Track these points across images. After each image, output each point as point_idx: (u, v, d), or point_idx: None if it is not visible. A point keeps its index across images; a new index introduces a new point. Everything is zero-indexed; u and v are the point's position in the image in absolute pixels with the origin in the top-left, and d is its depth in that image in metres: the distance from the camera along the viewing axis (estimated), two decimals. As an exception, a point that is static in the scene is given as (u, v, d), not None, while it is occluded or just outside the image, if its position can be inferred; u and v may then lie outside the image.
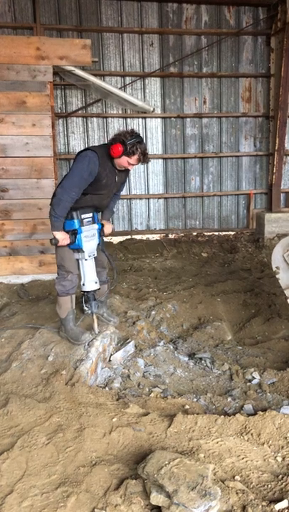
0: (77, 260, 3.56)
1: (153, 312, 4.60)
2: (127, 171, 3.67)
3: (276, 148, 8.43)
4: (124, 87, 7.98)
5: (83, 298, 3.65)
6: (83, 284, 3.56)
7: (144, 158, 3.38)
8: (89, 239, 3.48)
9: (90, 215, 3.52)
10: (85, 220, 3.46)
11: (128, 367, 3.55)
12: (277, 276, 4.02)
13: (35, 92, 5.47)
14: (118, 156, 3.33)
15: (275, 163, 8.51)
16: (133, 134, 3.35)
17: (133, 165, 3.44)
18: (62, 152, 7.92)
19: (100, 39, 7.87)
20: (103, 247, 3.72)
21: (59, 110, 7.87)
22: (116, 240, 8.15)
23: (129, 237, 8.34)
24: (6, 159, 5.52)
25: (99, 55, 7.79)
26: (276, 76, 8.35)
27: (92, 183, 3.38)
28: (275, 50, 8.36)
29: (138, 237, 8.39)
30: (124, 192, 8.33)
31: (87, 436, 2.40)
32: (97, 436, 2.43)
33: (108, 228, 3.79)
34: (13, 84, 5.41)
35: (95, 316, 3.65)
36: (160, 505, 1.86)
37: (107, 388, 3.22)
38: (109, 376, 3.43)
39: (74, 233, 3.40)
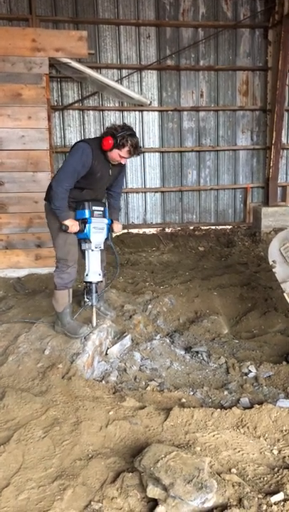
0: (83, 251, 3.60)
1: (150, 306, 4.60)
2: (121, 166, 3.67)
3: (273, 142, 8.41)
4: (120, 80, 7.93)
5: (85, 289, 3.65)
6: (87, 275, 3.60)
7: (135, 150, 3.38)
8: (97, 231, 3.53)
9: (101, 208, 3.57)
10: (95, 212, 3.50)
11: (124, 360, 3.56)
12: (273, 270, 4.02)
13: (31, 85, 5.42)
14: (109, 149, 3.34)
15: (272, 157, 8.50)
16: (124, 127, 3.36)
17: (124, 158, 3.43)
18: (58, 145, 7.87)
19: (97, 31, 7.81)
20: (111, 242, 3.76)
21: (55, 103, 7.82)
22: (113, 233, 8.13)
23: (125, 231, 8.31)
24: (2, 152, 5.48)
25: (95, 48, 7.72)
26: (273, 69, 8.31)
27: (86, 176, 3.39)
28: (273, 43, 8.32)
29: (135, 231, 8.37)
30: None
31: (83, 430, 2.40)
32: (93, 429, 2.43)
33: (117, 226, 3.84)
34: (8, 77, 5.36)
35: (94, 309, 3.66)
36: (156, 498, 1.86)
37: (103, 382, 3.22)
38: (106, 370, 3.43)
39: (84, 222, 3.46)
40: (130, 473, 2.02)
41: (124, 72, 8.02)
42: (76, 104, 7.95)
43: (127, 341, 3.78)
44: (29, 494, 1.97)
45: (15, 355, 3.32)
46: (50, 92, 7.01)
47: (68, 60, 5.94)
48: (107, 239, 3.66)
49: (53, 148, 6.14)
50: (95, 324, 3.66)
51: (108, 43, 7.91)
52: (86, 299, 3.66)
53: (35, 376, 3.08)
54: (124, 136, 3.29)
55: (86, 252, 3.58)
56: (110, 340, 3.76)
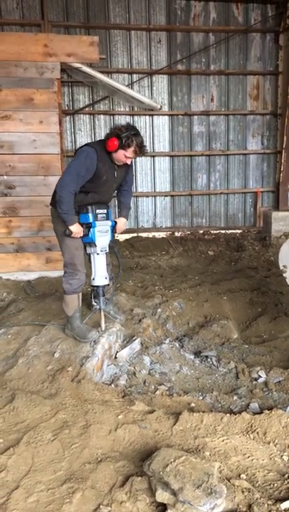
0: (89, 255, 3.59)
1: (159, 310, 4.60)
2: (127, 167, 3.65)
3: (284, 146, 8.38)
4: (131, 85, 7.96)
5: (92, 293, 3.66)
6: (93, 279, 3.60)
7: (141, 150, 3.37)
8: (102, 234, 3.51)
9: (105, 211, 3.55)
10: (99, 215, 3.49)
11: (134, 364, 3.55)
12: (284, 274, 4.00)
13: (43, 89, 5.47)
14: (114, 150, 3.33)
15: (282, 161, 8.46)
16: (128, 127, 3.36)
17: (130, 158, 3.43)
18: (69, 149, 7.90)
19: (108, 36, 7.85)
20: (113, 243, 3.74)
21: (66, 107, 7.86)
22: (122, 237, 8.14)
23: (135, 234, 8.32)
24: (14, 156, 5.53)
25: (106, 52, 7.76)
26: (284, 74, 8.29)
27: (92, 180, 3.38)
28: (284, 47, 8.29)
29: (144, 234, 8.37)
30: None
31: (92, 433, 2.41)
32: (102, 433, 2.44)
33: (121, 226, 3.81)
34: (20, 81, 5.42)
35: (102, 312, 3.66)
36: (165, 502, 1.86)
37: (112, 385, 3.22)
38: (115, 373, 3.44)
39: (88, 227, 3.44)
40: (139, 478, 2.02)
41: (135, 76, 8.05)
42: (87, 109, 8.00)
43: (136, 345, 3.78)
44: (38, 497, 1.98)
45: (25, 358, 3.33)
46: (62, 97, 7.06)
47: (80, 65, 5.98)
48: (111, 241, 3.64)
49: (64, 152, 6.18)
50: (103, 328, 3.66)
51: (119, 47, 7.95)
52: (94, 303, 3.67)
53: (44, 379, 3.09)
54: (129, 136, 3.29)
55: (92, 256, 3.58)
56: (120, 343, 3.77)
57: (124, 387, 3.21)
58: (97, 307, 3.65)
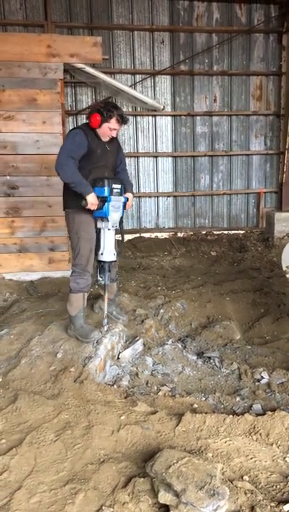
0: (99, 230, 3.57)
1: (161, 310, 4.59)
2: (116, 143, 3.73)
3: (287, 146, 8.36)
4: (134, 85, 7.96)
5: (98, 269, 3.65)
6: (102, 254, 3.59)
7: (123, 119, 3.48)
8: (115, 209, 3.50)
9: (119, 186, 3.54)
10: (114, 190, 3.48)
11: (136, 365, 3.55)
12: (287, 275, 3.99)
13: (46, 90, 5.48)
14: (98, 125, 3.43)
15: (285, 161, 8.44)
16: (106, 101, 3.57)
17: (115, 129, 3.50)
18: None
19: (111, 37, 7.86)
20: (122, 220, 3.72)
21: (69, 108, 7.87)
22: (125, 238, 8.14)
23: (137, 235, 8.32)
24: (17, 156, 5.54)
25: (109, 53, 7.76)
26: (287, 74, 8.28)
27: (88, 157, 3.44)
28: (287, 48, 8.28)
29: (147, 235, 8.37)
30: (133, 190, 8.33)
31: (95, 434, 2.41)
32: (105, 433, 2.43)
33: (130, 202, 3.77)
34: (23, 82, 5.43)
35: (106, 289, 3.66)
36: (168, 503, 1.86)
37: (115, 386, 3.22)
38: (118, 374, 3.44)
39: (103, 200, 3.42)
40: (142, 479, 2.02)
41: (138, 77, 8.05)
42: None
43: (138, 346, 3.78)
44: (41, 497, 1.98)
45: (28, 358, 3.34)
46: (65, 97, 7.07)
47: (83, 66, 5.99)
48: (122, 217, 3.63)
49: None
50: (106, 311, 3.68)
51: (122, 48, 7.95)
52: (99, 278, 3.66)
53: (47, 379, 3.09)
54: (109, 108, 3.40)
55: (102, 230, 3.56)
56: (122, 344, 3.77)
57: (127, 388, 3.21)
58: (102, 282, 3.65)
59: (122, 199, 3.56)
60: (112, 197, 3.44)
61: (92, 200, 3.37)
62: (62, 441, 2.35)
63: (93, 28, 7.72)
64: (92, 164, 3.49)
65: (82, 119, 8.00)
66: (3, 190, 5.57)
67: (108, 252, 3.58)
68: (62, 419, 2.55)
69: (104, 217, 3.48)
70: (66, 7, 7.57)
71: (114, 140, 3.65)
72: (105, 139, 3.53)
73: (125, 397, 3.00)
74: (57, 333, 3.66)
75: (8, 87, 5.41)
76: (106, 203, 3.41)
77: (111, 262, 3.64)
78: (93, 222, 3.53)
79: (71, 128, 3.67)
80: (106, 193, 3.42)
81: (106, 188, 3.42)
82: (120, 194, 3.54)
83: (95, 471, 2.14)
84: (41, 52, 5.41)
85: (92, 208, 3.41)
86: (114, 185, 3.47)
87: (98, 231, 3.59)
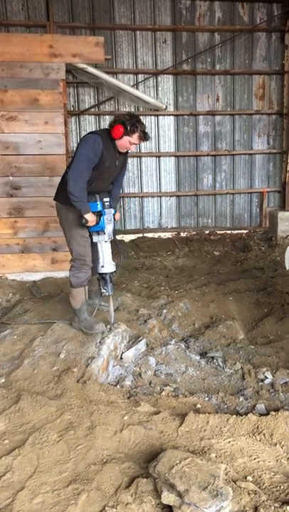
0: (95, 243, 3.64)
1: (164, 310, 4.58)
2: (125, 157, 3.77)
3: (290, 145, 8.35)
4: (136, 85, 7.96)
5: (100, 281, 3.70)
6: (102, 266, 3.66)
7: (145, 136, 3.51)
8: (108, 221, 3.60)
9: (108, 199, 3.65)
10: (106, 203, 3.59)
11: (139, 365, 3.55)
12: (290, 275, 3.98)
13: (48, 90, 5.48)
14: (120, 136, 3.45)
15: (288, 161, 8.42)
16: (131, 115, 3.53)
17: (135, 144, 3.54)
18: (74, 150, 7.91)
19: (113, 36, 7.86)
20: (114, 232, 3.81)
21: (72, 108, 7.87)
22: (127, 238, 8.15)
23: (140, 235, 8.32)
24: (19, 157, 5.54)
25: (112, 53, 7.77)
26: (290, 73, 8.27)
27: (96, 166, 3.45)
28: (290, 46, 8.27)
29: (150, 235, 8.37)
30: (136, 190, 8.36)
31: (98, 434, 2.40)
32: (108, 434, 2.43)
33: (117, 215, 3.90)
34: (26, 82, 5.43)
35: (112, 304, 3.75)
36: (171, 504, 1.85)
37: (118, 386, 3.22)
38: (121, 374, 3.43)
39: (98, 215, 3.51)
40: (145, 479, 2.01)
41: (140, 77, 8.05)
42: (92, 109, 8.01)
43: (141, 346, 3.77)
44: (44, 498, 1.97)
45: (30, 359, 3.34)
46: (67, 98, 7.07)
47: (85, 66, 5.99)
48: (114, 229, 3.73)
49: (69, 153, 6.18)
50: (112, 314, 3.75)
51: (124, 48, 7.95)
52: (103, 290, 3.70)
53: (50, 380, 3.09)
54: (133, 123, 3.43)
55: (99, 244, 3.64)
56: (125, 344, 3.76)
57: (130, 388, 3.20)
58: (106, 294, 3.71)
59: (112, 211, 3.68)
60: (105, 210, 3.54)
61: (91, 218, 3.45)
62: (65, 441, 2.34)
63: (95, 28, 7.72)
64: (97, 175, 3.50)
65: (85, 120, 8.02)
66: (6, 191, 5.58)
67: (108, 263, 3.66)
68: (65, 419, 2.54)
69: (101, 231, 3.57)
70: (68, 7, 7.58)
71: (125, 153, 3.69)
72: (122, 150, 3.58)
73: (128, 398, 2.99)
74: (60, 333, 3.67)
75: (10, 87, 5.41)
76: (101, 217, 3.52)
77: (112, 273, 3.70)
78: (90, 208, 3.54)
79: (88, 132, 3.64)
80: (100, 208, 3.52)
81: (99, 203, 3.52)
82: (110, 206, 3.65)
83: (97, 471, 2.13)
84: (43, 53, 5.41)
85: (91, 225, 3.48)
86: (104, 199, 3.58)
87: (95, 245, 3.66)
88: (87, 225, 3.46)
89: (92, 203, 3.50)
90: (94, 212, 3.48)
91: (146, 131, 3.51)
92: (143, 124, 3.52)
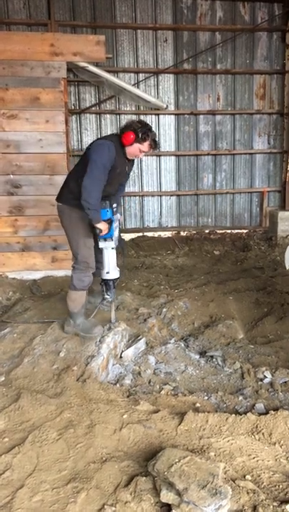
0: (101, 249, 3.60)
1: (164, 309, 4.59)
2: (132, 164, 3.77)
3: (290, 145, 8.35)
4: (137, 84, 7.95)
5: (103, 287, 3.68)
6: (107, 273, 3.62)
7: (155, 144, 3.51)
8: (116, 227, 3.56)
9: (115, 204, 3.59)
10: (114, 210, 3.52)
11: (139, 364, 3.55)
12: (290, 274, 3.98)
13: (49, 89, 5.48)
14: (130, 143, 3.44)
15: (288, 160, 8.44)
16: (142, 122, 3.53)
17: (144, 152, 3.53)
18: (75, 149, 7.91)
19: (114, 35, 7.85)
20: (120, 237, 3.80)
21: (72, 106, 7.87)
22: (127, 237, 8.15)
23: (140, 234, 8.32)
24: (20, 155, 5.54)
25: (113, 52, 7.76)
26: (291, 73, 8.26)
27: (108, 173, 3.43)
28: (291, 46, 8.26)
29: (150, 234, 8.36)
30: (136, 189, 8.36)
31: (97, 433, 2.41)
32: (107, 432, 2.43)
33: (120, 218, 3.90)
34: (27, 81, 5.43)
35: (113, 304, 3.75)
36: (170, 502, 1.86)
37: (117, 385, 3.22)
38: (120, 373, 3.44)
39: (109, 223, 3.45)
40: (144, 478, 2.02)
41: (141, 76, 8.04)
42: (93, 108, 8.00)
43: (141, 345, 3.78)
44: (43, 496, 1.98)
45: (30, 357, 3.34)
46: (68, 96, 7.06)
47: (86, 64, 5.98)
48: (120, 234, 3.71)
49: (70, 151, 6.19)
50: (114, 320, 3.75)
51: (125, 47, 7.95)
52: (106, 296, 3.69)
53: (50, 378, 3.10)
54: (145, 131, 3.43)
55: (105, 250, 3.58)
56: (125, 343, 3.77)
57: (129, 387, 3.21)
58: (110, 299, 3.70)
59: (118, 215, 3.64)
60: (114, 216, 3.48)
61: (103, 227, 3.40)
62: (64, 440, 2.35)
63: (96, 26, 7.72)
64: (108, 181, 3.46)
65: (86, 118, 8.02)
66: (7, 189, 5.58)
67: (113, 269, 3.63)
68: (65, 417, 2.55)
69: (109, 237, 3.51)
70: (69, 6, 7.57)
71: (133, 160, 3.69)
72: (131, 157, 3.58)
73: (128, 396, 3.00)
74: (60, 332, 3.67)
75: (11, 85, 5.41)
76: (112, 224, 3.46)
77: (116, 279, 3.68)
78: (87, 218, 3.49)
79: (97, 138, 3.63)
80: (110, 215, 3.44)
81: (109, 210, 3.44)
82: (117, 211, 3.60)
83: (97, 469, 2.14)
84: (44, 51, 5.41)
85: (104, 234, 3.43)
86: (113, 205, 3.51)
87: (101, 251, 3.62)
88: (101, 234, 3.41)
89: (103, 210, 3.42)
90: (105, 220, 3.43)
91: (156, 139, 3.51)
92: (154, 132, 3.52)
